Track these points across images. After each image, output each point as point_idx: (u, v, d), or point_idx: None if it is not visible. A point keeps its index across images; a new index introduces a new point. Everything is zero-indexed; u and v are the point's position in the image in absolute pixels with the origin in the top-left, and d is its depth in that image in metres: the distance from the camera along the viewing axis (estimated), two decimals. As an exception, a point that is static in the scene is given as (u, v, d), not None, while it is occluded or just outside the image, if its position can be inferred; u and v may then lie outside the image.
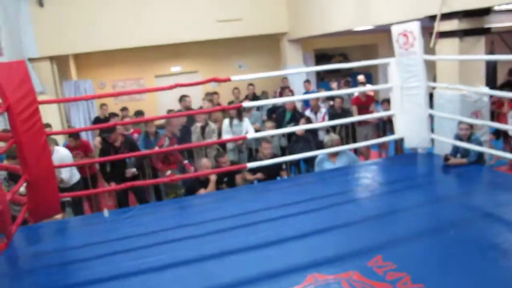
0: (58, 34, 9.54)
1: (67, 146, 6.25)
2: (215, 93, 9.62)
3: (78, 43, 9.87)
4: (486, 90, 5.48)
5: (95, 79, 12.09)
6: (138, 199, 6.34)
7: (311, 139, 7.30)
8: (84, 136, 8.71)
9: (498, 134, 7.48)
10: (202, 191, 5.39)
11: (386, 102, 7.60)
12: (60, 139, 7.12)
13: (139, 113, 8.45)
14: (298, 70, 7.81)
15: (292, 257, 3.35)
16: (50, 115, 8.46)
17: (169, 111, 8.77)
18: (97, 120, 9.07)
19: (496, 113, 7.36)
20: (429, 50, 5.53)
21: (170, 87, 4.47)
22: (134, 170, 6.14)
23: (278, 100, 7.86)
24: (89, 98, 9.69)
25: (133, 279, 3.27)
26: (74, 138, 6.43)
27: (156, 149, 6.47)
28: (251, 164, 5.10)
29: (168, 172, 6.10)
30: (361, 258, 3.22)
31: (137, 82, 13.23)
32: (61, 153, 5.62)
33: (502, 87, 7.56)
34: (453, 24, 5.60)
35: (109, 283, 3.25)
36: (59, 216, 5.27)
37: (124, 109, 8.82)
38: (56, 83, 9.76)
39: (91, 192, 5.81)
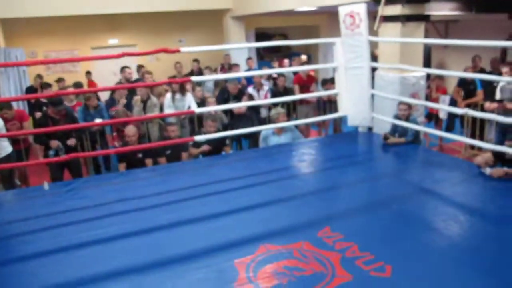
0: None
1: (1, 116, 5.88)
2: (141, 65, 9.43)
3: (7, 7, 9.22)
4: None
5: (25, 48, 11.40)
6: (73, 174, 6.09)
7: (253, 116, 7.37)
8: (15, 106, 8.24)
9: (430, 117, 7.88)
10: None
11: (329, 82, 7.81)
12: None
13: (77, 84, 8.11)
14: (243, 45, 7.84)
15: (243, 228, 3.40)
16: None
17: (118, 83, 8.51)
18: (30, 90, 8.62)
19: (430, 97, 7.75)
20: (372, 32, 5.71)
21: (118, 56, 4.33)
22: (74, 140, 5.88)
23: (226, 76, 7.81)
24: (22, 64, 9.14)
25: (83, 251, 3.19)
26: (8, 109, 6.06)
27: (98, 121, 6.29)
28: (199, 137, 5.07)
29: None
30: (310, 229, 3.32)
31: (71, 53, 12.62)
32: None
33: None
34: (396, 9, 5.81)
35: (58, 255, 3.15)
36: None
37: (60, 80, 8.44)
38: (-17, 50, 9.15)
39: (30, 163, 5.56)
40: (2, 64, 8.01)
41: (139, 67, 9.17)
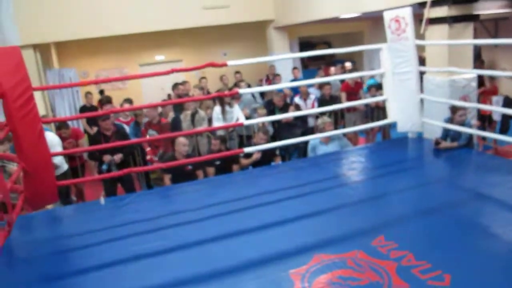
0: (40, 22, 9.34)
1: (58, 134, 6.15)
2: (203, 78, 9.60)
3: (60, 31, 9.65)
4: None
5: (77, 68, 11.88)
6: (125, 189, 6.27)
7: (299, 126, 7.34)
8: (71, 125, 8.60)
9: (483, 119, 7.63)
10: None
11: (374, 87, 7.70)
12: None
13: (128, 101, 8.34)
14: (288, 56, 7.84)
15: (296, 239, 3.40)
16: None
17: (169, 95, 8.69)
18: (83, 109, 8.97)
19: (481, 98, 7.52)
20: (418, 36, 5.60)
21: (167, 72, 4.45)
22: (121, 155, 6.04)
23: (272, 87, 7.83)
24: (77, 85, 9.54)
25: (138, 263, 3.29)
26: (65, 128, 6.32)
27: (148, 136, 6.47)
28: (248, 149, 5.12)
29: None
30: (364, 238, 3.29)
31: (121, 71, 13.04)
32: (49, 139, 5.57)
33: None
34: (443, 11, 5.66)
35: (116, 267, 3.26)
36: (49, 206, 5.22)
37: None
38: (40, 72, 9.59)
39: (88, 179, 5.80)
40: (59, 86, 8.37)
41: (184, 82, 9.35)
